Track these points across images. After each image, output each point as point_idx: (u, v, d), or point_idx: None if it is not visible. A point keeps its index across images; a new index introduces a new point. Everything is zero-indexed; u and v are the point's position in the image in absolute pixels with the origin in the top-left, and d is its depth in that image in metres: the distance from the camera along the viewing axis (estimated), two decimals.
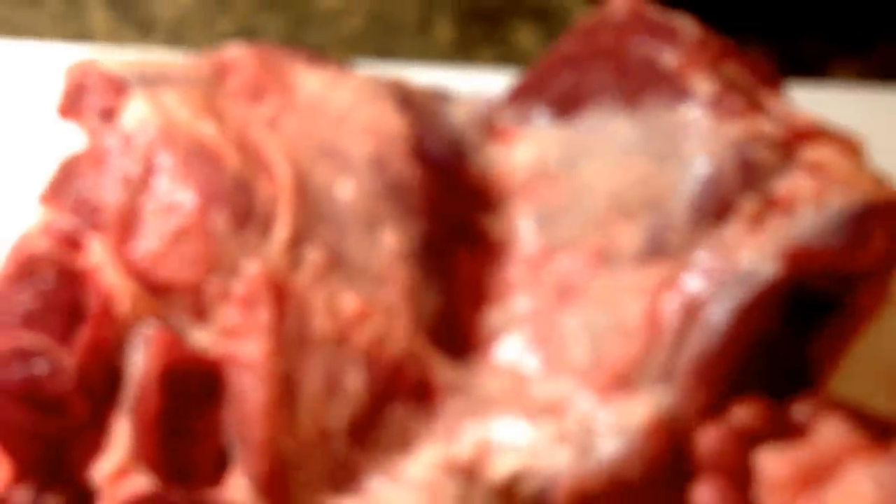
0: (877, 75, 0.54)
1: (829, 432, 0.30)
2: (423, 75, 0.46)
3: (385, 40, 0.55)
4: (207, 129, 0.37)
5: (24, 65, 0.49)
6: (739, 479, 0.30)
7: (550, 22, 0.55)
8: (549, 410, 0.35)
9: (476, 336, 0.38)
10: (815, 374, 0.36)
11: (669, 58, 0.39)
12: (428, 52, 0.54)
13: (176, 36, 0.55)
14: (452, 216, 0.39)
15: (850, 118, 0.40)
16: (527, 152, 0.41)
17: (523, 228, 0.40)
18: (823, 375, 0.36)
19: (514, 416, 0.35)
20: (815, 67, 0.54)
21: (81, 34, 0.54)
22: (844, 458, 0.29)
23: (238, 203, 0.36)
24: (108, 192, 0.36)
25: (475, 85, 0.46)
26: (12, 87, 0.48)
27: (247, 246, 0.35)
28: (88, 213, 0.36)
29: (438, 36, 0.55)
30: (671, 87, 0.38)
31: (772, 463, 0.29)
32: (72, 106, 0.39)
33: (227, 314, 0.35)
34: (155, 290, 0.35)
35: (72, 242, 0.36)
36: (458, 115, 0.43)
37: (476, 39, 0.55)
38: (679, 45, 0.39)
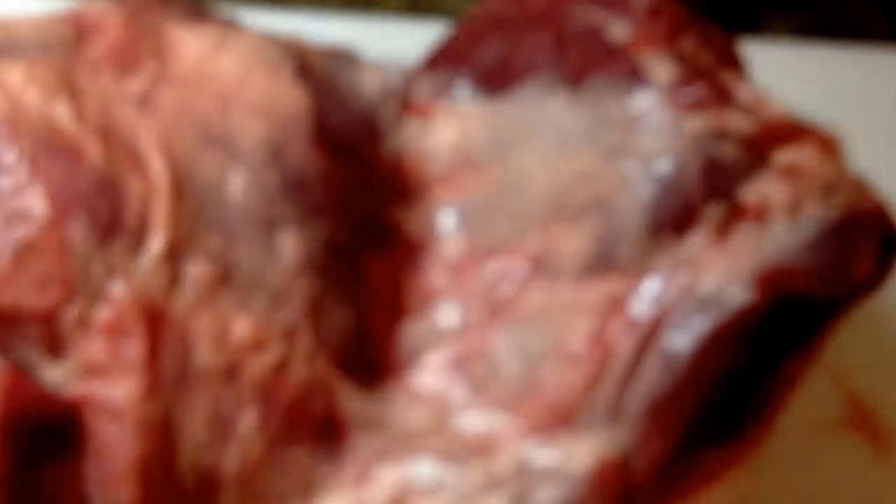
0: (814, 32, 0.52)
1: None
2: (318, 26, 0.40)
3: None
4: (62, 114, 0.30)
5: None
6: None
7: None
8: (478, 449, 0.31)
9: (391, 357, 0.32)
10: (767, 408, 0.31)
11: (618, 29, 0.34)
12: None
13: None
14: (362, 212, 0.34)
15: (786, 75, 0.40)
16: (447, 132, 0.36)
17: (445, 226, 0.34)
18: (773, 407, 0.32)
19: (436, 454, 0.31)
20: (752, 23, 0.51)
21: None
22: None
23: (101, 208, 0.29)
24: None
25: (380, 39, 0.40)
26: None
27: (113, 262, 0.29)
28: None
29: None
30: (621, 67, 0.33)
31: None
32: None
33: (89, 347, 0.29)
34: None
35: None
36: (368, 85, 0.36)
37: None
38: (629, 14, 0.34)
